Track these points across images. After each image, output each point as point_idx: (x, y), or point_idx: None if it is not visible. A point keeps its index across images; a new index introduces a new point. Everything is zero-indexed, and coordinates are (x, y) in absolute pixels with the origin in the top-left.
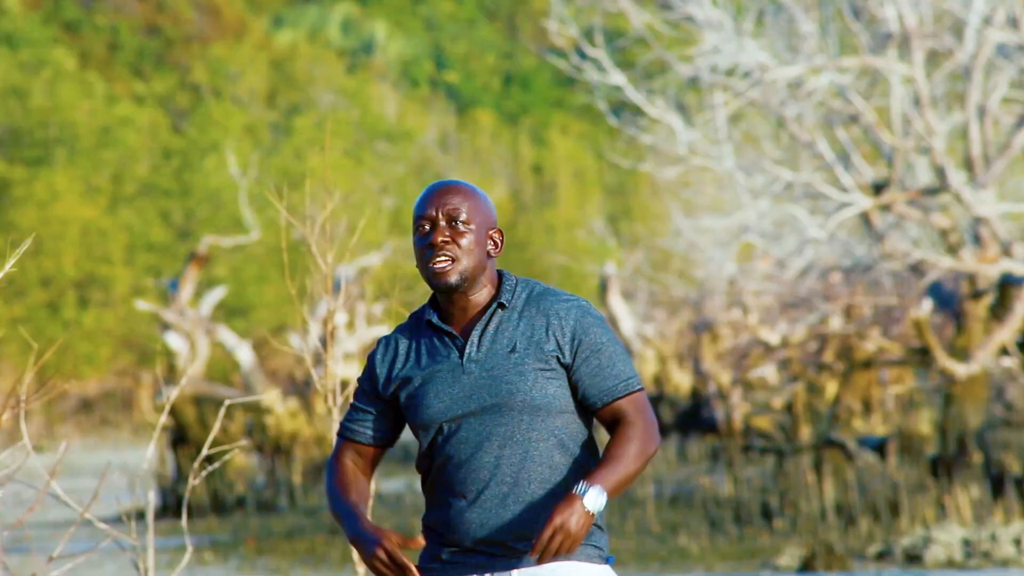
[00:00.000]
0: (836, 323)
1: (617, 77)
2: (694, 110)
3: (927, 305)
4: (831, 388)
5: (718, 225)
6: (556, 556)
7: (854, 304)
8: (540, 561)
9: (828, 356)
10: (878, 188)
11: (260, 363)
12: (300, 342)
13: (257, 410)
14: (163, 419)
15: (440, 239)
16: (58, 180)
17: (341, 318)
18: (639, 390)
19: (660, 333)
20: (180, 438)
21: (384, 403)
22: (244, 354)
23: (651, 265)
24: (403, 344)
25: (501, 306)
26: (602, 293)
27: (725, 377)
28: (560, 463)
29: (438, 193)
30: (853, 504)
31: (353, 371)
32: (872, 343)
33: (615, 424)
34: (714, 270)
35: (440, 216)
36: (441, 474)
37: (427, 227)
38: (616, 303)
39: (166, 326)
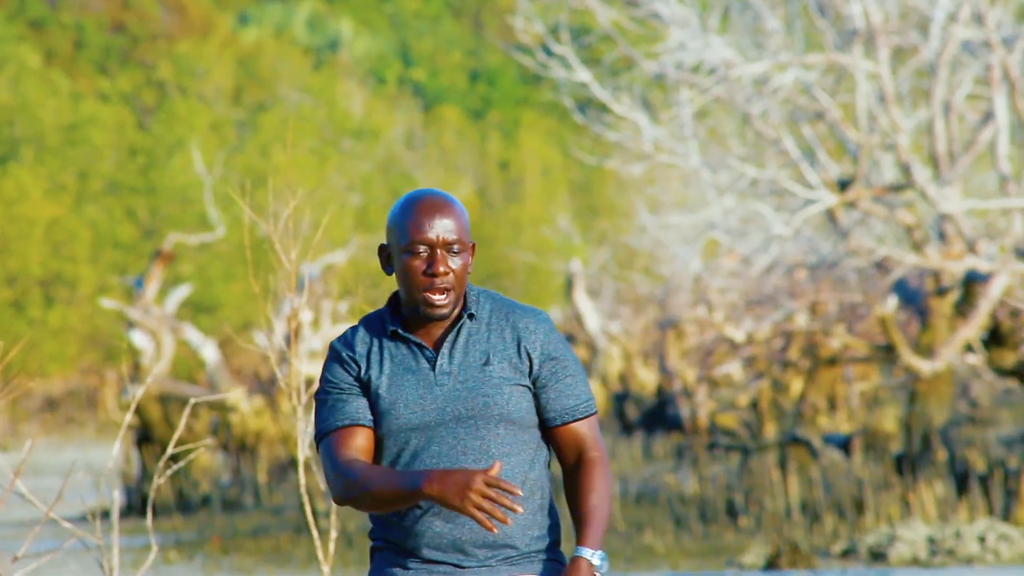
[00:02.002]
0: (801, 320)
1: (583, 74)
2: (660, 107)
3: (892, 302)
4: (796, 385)
5: (683, 222)
6: None
7: (819, 301)
8: None
9: (793, 353)
10: (843, 185)
11: (225, 361)
12: (265, 340)
13: (222, 408)
14: (128, 418)
15: (442, 269)
16: (24, 178)
17: (306, 316)
18: (595, 413)
19: (625, 330)
20: (145, 437)
21: (357, 390)
22: (209, 352)
23: (616, 262)
24: (367, 346)
25: (471, 317)
26: (568, 290)
27: (690, 374)
28: (531, 478)
29: (437, 215)
30: (818, 502)
31: (318, 369)
32: (837, 340)
33: (570, 447)
34: (679, 267)
35: (439, 242)
36: None
37: (424, 253)
38: (581, 300)
39: (131, 324)
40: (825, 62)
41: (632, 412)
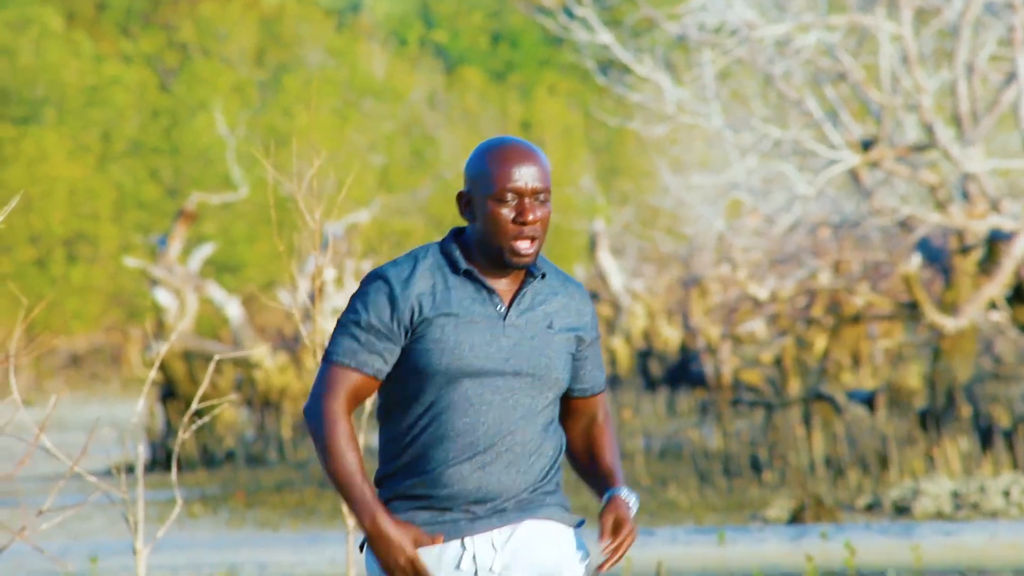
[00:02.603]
0: (825, 278)
1: (605, 36)
2: (682, 68)
3: (916, 260)
4: (820, 342)
5: (707, 182)
6: (616, 556)
7: (843, 260)
8: (607, 562)
9: (817, 311)
10: (866, 145)
11: (249, 319)
12: (289, 298)
13: (246, 365)
14: (152, 374)
15: (531, 217)
16: (47, 139)
17: (329, 274)
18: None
19: (649, 289)
20: (169, 393)
21: (395, 336)
22: (233, 310)
23: (640, 222)
24: (429, 279)
25: (542, 276)
26: (591, 249)
27: (714, 332)
28: (552, 437)
29: (528, 162)
30: (842, 457)
31: None
32: (861, 298)
33: (588, 414)
34: (703, 226)
35: (528, 190)
36: (446, 429)
37: (513, 201)
38: (605, 259)
39: (155, 282)
40: (848, 23)
41: (656, 369)
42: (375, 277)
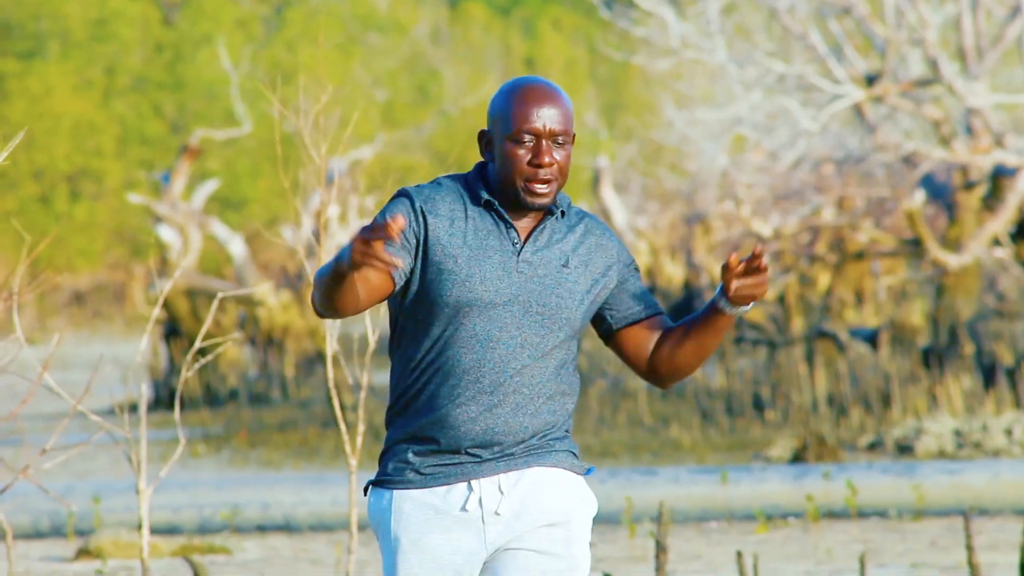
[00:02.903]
0: (828, 215)
1: None
2: (686, 2)
3: (919, 196)
4: (823, 280)
5: (710, 117)
6: (749, 295)
7: (846, 196)
8: (750, 266)
9: (820, 248)
10: (871, 80)
11: (253, 256)
12: (293, 235)
13: (250, 303)
14: (156, 312)
15: (547, 160)
16: (51, 73)
17: (333, 211)
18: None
19: (653, 225)
20: (173, 331)
21: (410, 247)
22: (237, 247)
23: (643, 158)
24: (449, 206)
25: (561, 214)
26: (595, 186)
27: (718, 269)
28: (565, 382)
29: (546, 104)
30: (845, 395)
31: None
32: (864, 235)
33: (657, 329)
34: (706, 162)
35: (546, 132)
36: (454, 365)
37: (530, 142)
38: (609, 196)
39: (158, 219)
40: None
41: (660, 306)
42: (399, 194)
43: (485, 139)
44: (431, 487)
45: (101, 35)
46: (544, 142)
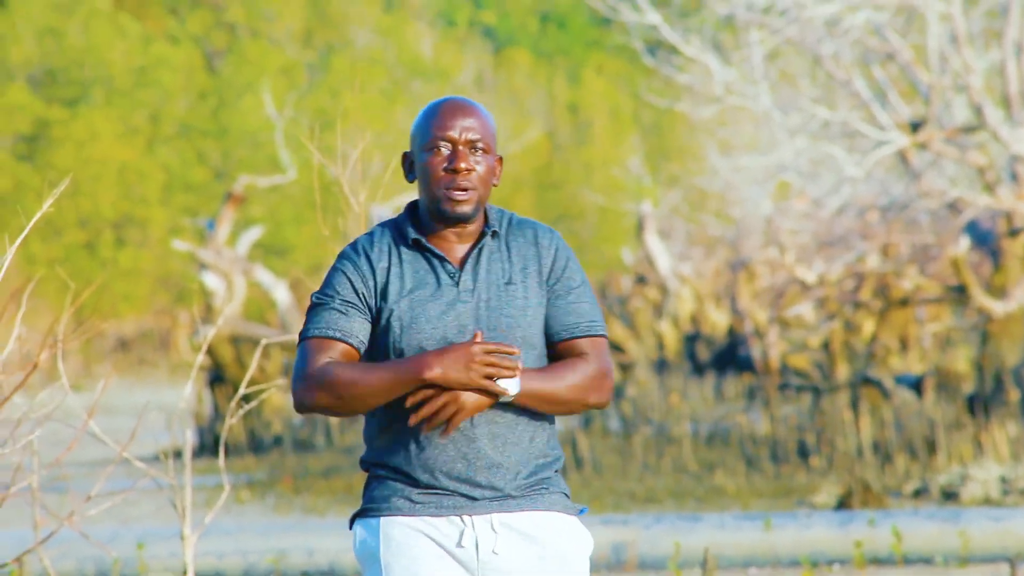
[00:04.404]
0: (873, 261)
1: (653, 16)
2: (730, 49)
3: (964, 243)
4: (868, 326)
5: (755, 164)
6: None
7: (891, 242)
8: None
9: (865, 294)
10: (915, 126)
11: (297, 302)
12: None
13: (294, 349)
14: (200, 358)
15: (463, 166)
16: (96, 120)
17: None
18: (601, 335)
19: (697, 272)
20: (217, 377)
21: (367, 311)
22: (281, 293)
23: (688, 204)
24: (384, 259)
25: (494, 234)
26: (639, 232)
27: (762, 316)
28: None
29: (460, 114)
30: (890, 442)
31: None
32: (909, 281)
33: (569, 356)
34: (751, 209)
35: (461, 140)
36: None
37: (446, 150)
38: (652, 242)
39: (203, 266)
40: (896, 3)
41: (703, 353)
42: (341, 257)
43: (407, 161)
44: (421, 515)
45: (145, 82)
46: (460, 148)
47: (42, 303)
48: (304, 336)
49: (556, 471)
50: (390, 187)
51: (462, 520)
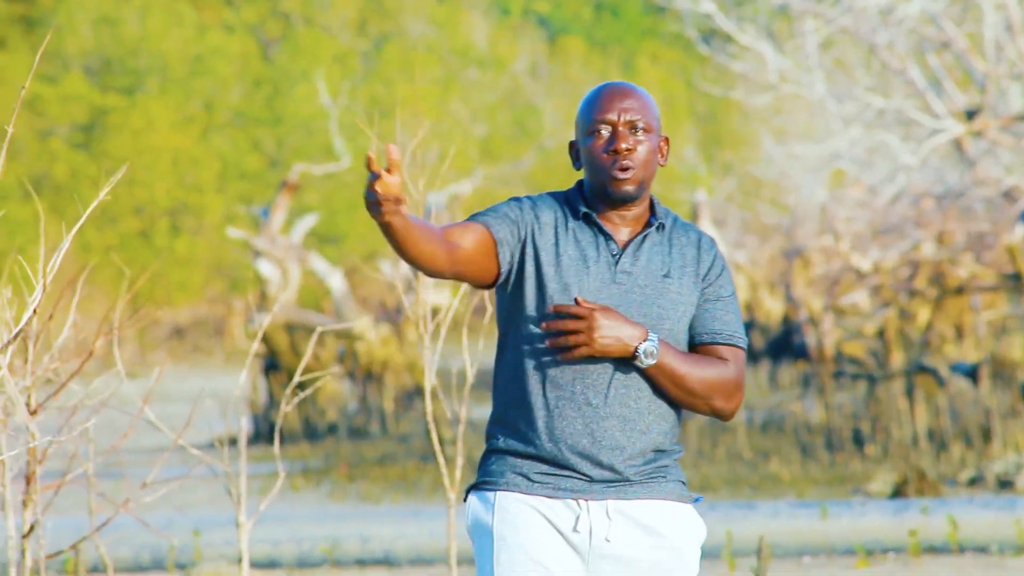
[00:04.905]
0: (928, 249)
1: (707, 4)
2: (785, 37)
3: (1020, 231)
4: (923, 314)
5: (809, 152)
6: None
7: (946, 230)
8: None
9: (920, 282)
10: (970, 114)
11: (351, 290)
12: (391, 269)
13: (349, 337)
14: (255, 346)
15: (624, 146)
16: (151, 109)
17: None
18: (742, 348)
19: (752, 260)
20: (272, 365)
21: (516, 235)
22: (336, 281)
23: (742, 192)
24: (552, 216)
25: (660, 227)
26: (693, 220)
27: (817, 303)
28: (672, 401)
29: (618, 96)
30: (945, 430)
31: (443, 298)
32: (964, 269)
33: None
34: (805, 197)
35: (621, 121)
36: (558, 375)
37: (606, 132)
38: (707, 229)
39: (258, 253)
40: None
41: (758, 341)
42: (509, 200)
43: (574, 150)
44: (538, 495)
45: (200, 70)
46: (620, 130)
47: (98, 291)
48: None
49: (675, 460)
50: (446, 175)
51: (578, 504)
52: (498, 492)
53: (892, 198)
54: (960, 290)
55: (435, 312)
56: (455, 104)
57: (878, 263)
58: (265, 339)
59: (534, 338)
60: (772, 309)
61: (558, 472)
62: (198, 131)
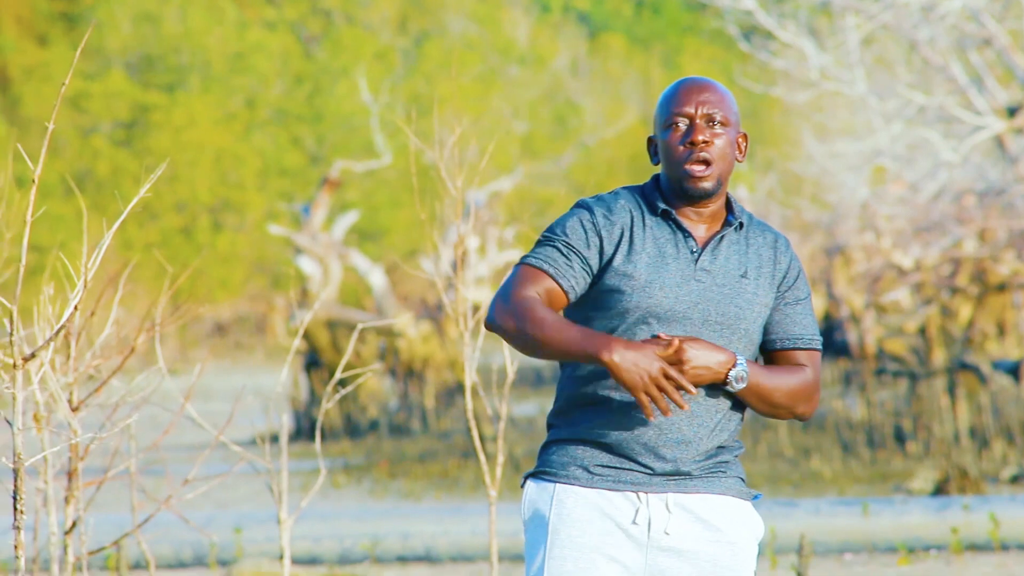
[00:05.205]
0: (970, 246)
1: (748, 1)
2: (825, 34)
3: None
4: (965, 311)
5: (851, 149)
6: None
7: (988, 227)
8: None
9: (962, 279)
10: (1012, 111)
11: (392, 287)
12: (432, 266)
13: (390, 334)
14: (296, 343)
15: (701, 138)
16: (193, 106)
17: (472, 243)
18: (820, 351)
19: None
20: (313, 362)
21: (590, 263)
22: (376, 278)
23: (783, 189)
24: (628, 215)
25: (740, 226)
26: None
27: (858, 301)
28: (739, 401)
29: (696, 90)
30: (987, 427)
31: (484, 296)
32: (1006, 266)
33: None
34: (847, 194)
35: (698, 114)
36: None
37: (683, 125)
38: None
39: (299, 250)
40: None
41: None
42: (579, 205)
43: (652, 145)
44: (598, 488)
45: (241, 68)
46: (698, 122)
47: (139, 287)
48: (522, 261)
49: (736, 457)
50: (486, 172)
51: (638, 497)
52: (557, 484)
53: (933, 195)
54: (1002, 287)
55: (476, 309)
56: (496, 101)
57: (919, 260)
58: (306, 336)
59: (616, 333)
60: (814, 307)
61: (620, 464)
62: (239, 128)
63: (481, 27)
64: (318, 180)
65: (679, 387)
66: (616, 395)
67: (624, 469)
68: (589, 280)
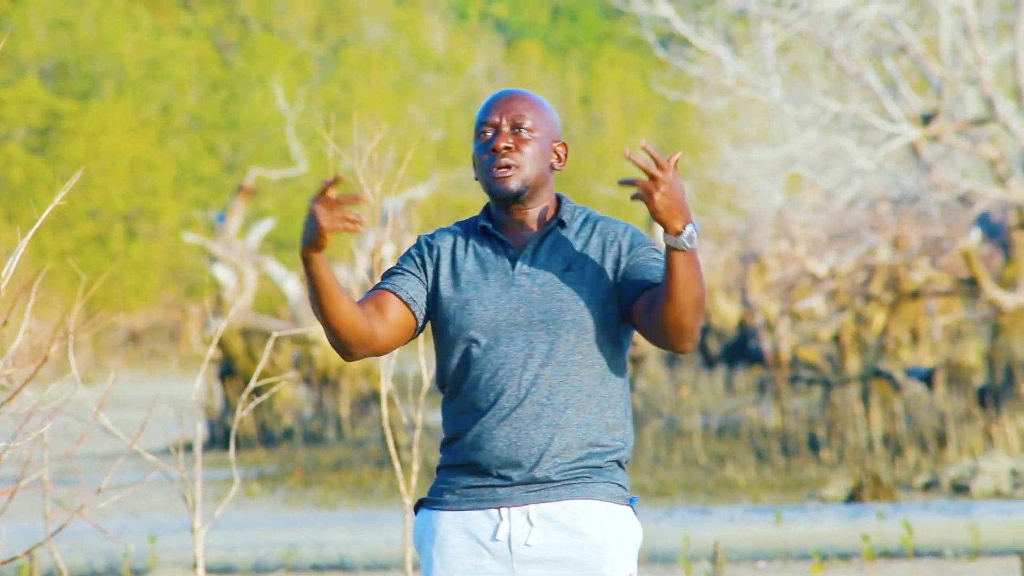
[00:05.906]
0: (884, 254)
1: (665, 8)
2: (742, 41)
3: (975, 236)
4: (879, 319)
5: (766, 156)
6: (645, 191)
7: (902, 235)
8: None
9: (876, 287)
10: (927, 119)
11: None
12: (348, 274)
13: (305, 342)
14: (211, 351)
15: (503, 145)
16: (106, 113)
17: (388, 250)
18: None
19: (707, 265)
20: (228, 370)
21: (423, 279)
22: (292, 287)
23: (699, 196)
24: (450, 244)
25: (561, 224)
26: (650, 225)
27: (772, 308)
28: (599, 393)
29: (503, 100)
30: (900, 435)
31: None
32: (920, 274)
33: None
34: (762, 201)
35: (504, 122)
36: (473, 388)
37: (489, 133)
38: (663, 234)
39: (214, 258)
40: None
41: (714, 346)
42: (415, 243)
43: (474, 161)
44: (464, 510)
45: (156, 74)
46: (503, 130)
47: (53, 295)
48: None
49: (610, 461)
50: (403, 180)
51: (499, 513)
52: (432, 511)
53: (848, 202)
54: (916, 295)
55: None
56: (412, 108)
57: (834, 268)
58: (221, 344)
59: (452, 357)
60: (728, 314)
61: (482, 483)
62: (154, 135)
63: (398, 34)
64: (233, 188)
65: (342, 204)
66: (475, 413)
67: (486, 487)
68: (426, 293)
